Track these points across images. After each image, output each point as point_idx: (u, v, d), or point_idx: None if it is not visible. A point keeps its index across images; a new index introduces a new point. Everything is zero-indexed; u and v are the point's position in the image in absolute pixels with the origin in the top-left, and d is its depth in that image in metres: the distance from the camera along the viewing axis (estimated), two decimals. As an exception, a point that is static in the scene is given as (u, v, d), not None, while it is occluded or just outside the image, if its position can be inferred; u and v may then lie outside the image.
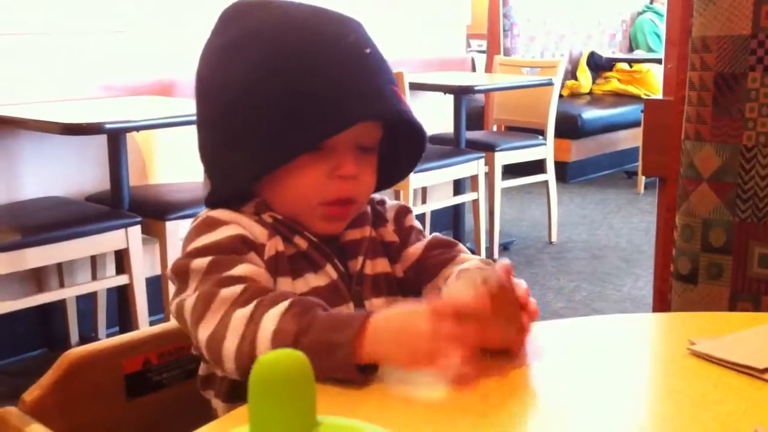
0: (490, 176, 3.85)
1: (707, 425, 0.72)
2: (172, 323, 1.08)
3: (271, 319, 0.82)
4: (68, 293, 2.71)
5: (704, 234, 1.60)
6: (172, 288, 2.75)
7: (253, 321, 0.82)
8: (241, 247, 0.90)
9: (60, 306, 2.82)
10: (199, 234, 0.91)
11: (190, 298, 0.87)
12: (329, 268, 0.95)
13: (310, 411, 0.39)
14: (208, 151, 0.97)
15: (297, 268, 0.93)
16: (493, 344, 0.82)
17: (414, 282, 1.00)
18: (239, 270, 0.87)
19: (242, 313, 0.83)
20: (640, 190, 5.30)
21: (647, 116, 1.92)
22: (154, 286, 2.69)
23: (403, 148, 1.01)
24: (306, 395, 0.39)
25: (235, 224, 0.92)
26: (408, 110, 0.94)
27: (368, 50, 0.94)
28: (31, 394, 0.91)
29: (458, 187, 3.87)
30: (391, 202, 1.06)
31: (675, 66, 1.78)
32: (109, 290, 2.80)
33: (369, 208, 1.02)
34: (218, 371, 0.92)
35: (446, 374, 0.77)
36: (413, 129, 0.98)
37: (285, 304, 0.82)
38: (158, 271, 2.74)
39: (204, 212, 0.96)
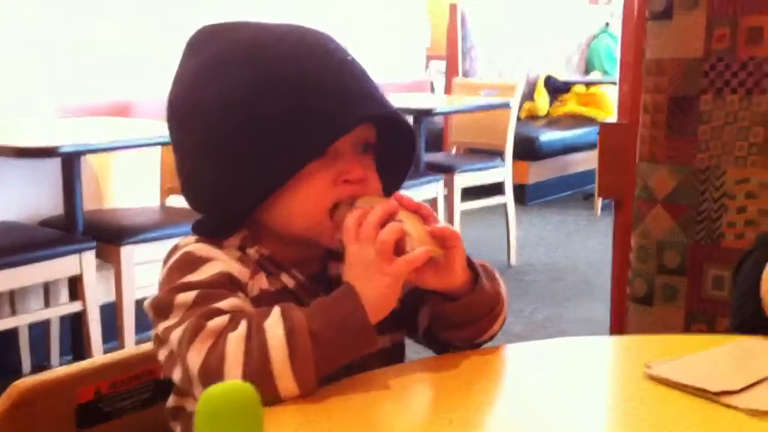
0: (449, 198, 3.86)
1: (664, 449, 0.72)
2: (126, 351, 1.06)
3: (274, 325, 0.80)
4: (20, 321, 2.66)
5: (659, 256, 1.61)
6: (128, 317, 2.67)
7: (254, 335, 0.80)
8: (228, 285, 0.87)
9: (12, 334, 2.76)
10: (182, 273, 0.87)
11: (175, 330, 0.84)
12: (293, 304, 0.93)
13: (258, 445, 0.38)
14: (201, 177, 0.93)
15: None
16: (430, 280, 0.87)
17: (411, 309, 0.97)
18: (226, 303, 0.84)
19: (237, 334, 0.80)
20: (597, 212, 5.35)
21: (602, 139, 1.94)
22: (109, 313, 2.64)
23: (392, 153, 0.98)
24: (253, 426, 0.37)
25: (219, 261, 0.88)
26: (399, 112, 0.94)
27: (349, 57, 0.94)
28: (-22, 426, 0.88)
29: (417, 209, 3.87)
30: None
31: (629, 89, 1.80)
32: (63, 317, 2.75)
33: None
34: (189, 406, 0.90)
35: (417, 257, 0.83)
36: (402, 132, 0.96)
37: (276, 309, 0.82)
38: (113, 298, 2.69)
39: (183, 244, 0.91)
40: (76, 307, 2.51)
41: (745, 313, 1.03)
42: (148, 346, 1.05)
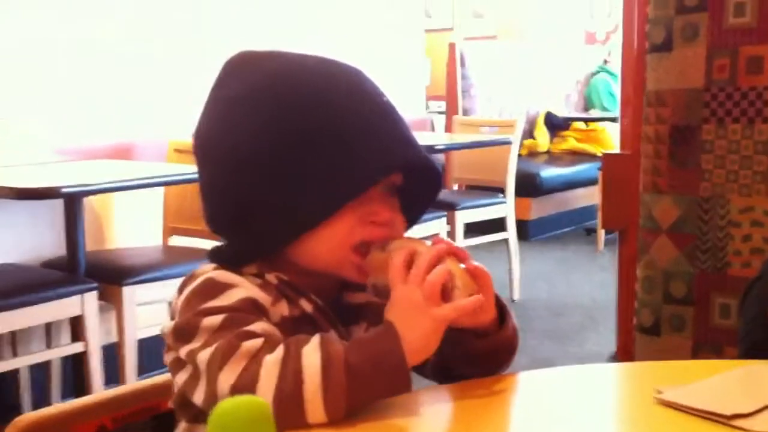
0: (451, 235, 3.85)
1: (679, 474, 0.70)
2: (128, 386, 1.04)
3: (312, 352, 0.79)
4: (21, 362, 2.63)
5: (665, 285, 1.60)
6: (130, 358, 2.63)
7: (290, 359, 0.79)
8: (254, 310, 0.86)
9: (12, 375, 2.74)
10: (205, 298, 0.86)
11: (203, 351, 0.82)
12: (333, 334, 0.91)
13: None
14: (229, 213, 0.92)
15: (301, 332, 0.88)
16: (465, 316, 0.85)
17: None
18: (257, 327, 0.83)
19: (274, 357, 0.79)
20: (600, 247, 5.33)
21: (605, 170, 1.94)
22: (111, 354, 2.62)
23: (413, 190, 0.98)
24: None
25: (242, 287, 0.87)
26: (430, 157, 0.95)
27: (384, 98, 0.94)
28: (-22, 463, 0.87)
29: (420, 246, 3.87)
30: None
31: (630, 121, 1.81)
32: (64, 359, 2.73)
33: None
34: (202, 429, 0.89)
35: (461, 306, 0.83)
36: (428, 173, 0.96)
37: (316, 337, 0.81)
38: (114, 339, 2.67)
39: (201, 272, 0.90)
40: (77, 348, 2.49)
41: (754, 339, 1.01)
42: (149, 381, 1.04)
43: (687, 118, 1.59)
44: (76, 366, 2.57)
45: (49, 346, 2.74)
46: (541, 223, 5.76)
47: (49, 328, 2.74)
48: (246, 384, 0.79)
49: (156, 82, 3.12)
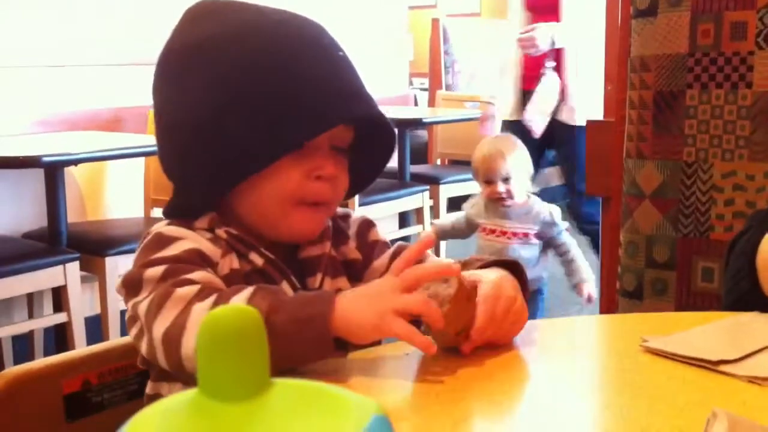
0: (435, 209, 3.86)
1: (664, 414, 0.71)
2: (113, 342, 1.04)
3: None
4: (4, 332, 2.62)
5: (648, 250, 1.61)
6: (114, 328, 2.62)
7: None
8: (198, 261, 0.86)
9: (-5, 346, 2.73)
10: (152, 250, 0.87)
11: (144, 301, 0.83)
12: (285, 285, 0.92)
13: (263, 370, 0.37)
14: (176, 160, 0.93)
15: (251, 285, 0.88)
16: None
17: None
18: (196, 275, 0.83)
19: (202, 306, 0.79)
20: (581, 222, 5.35)
21: (589, 137, 1.94)
22: (94, 325, 2.61)
23: (368, 152, 0.98)
24: (258, 353, 0.36)
25: (189, 239, 0.88)
26: (383, 114, 0.94)
27: (341, 53, 0.94)
28: (-35, 415, 0.87)
29: (404, 219, 3.88)
30: (354, 217, 1.03)
31: (615, 87, 1.81)
32: (47, 330, 2.72)
33: (330, 223, 0.98)
34: (164, 392, 0.89)
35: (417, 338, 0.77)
36: (382, 132, 0.96)
37: (250, 290, 0.80)
38: (98, 310, 2.67)
39: (152, 229, 0.91)
40: (60, 318, 2.48)
41: (740, 290, 1.02)
42: (135, 337, 1.03)
43: (671, 84, 1.59)
44: (59, 337, 2.57)
45: (31, 316, 2.73)
46: (524, 198, 5.77)
47: (31, 299, 2.73)
48: (175, 332, 0.78)
49: (138, 53, 3.10)
